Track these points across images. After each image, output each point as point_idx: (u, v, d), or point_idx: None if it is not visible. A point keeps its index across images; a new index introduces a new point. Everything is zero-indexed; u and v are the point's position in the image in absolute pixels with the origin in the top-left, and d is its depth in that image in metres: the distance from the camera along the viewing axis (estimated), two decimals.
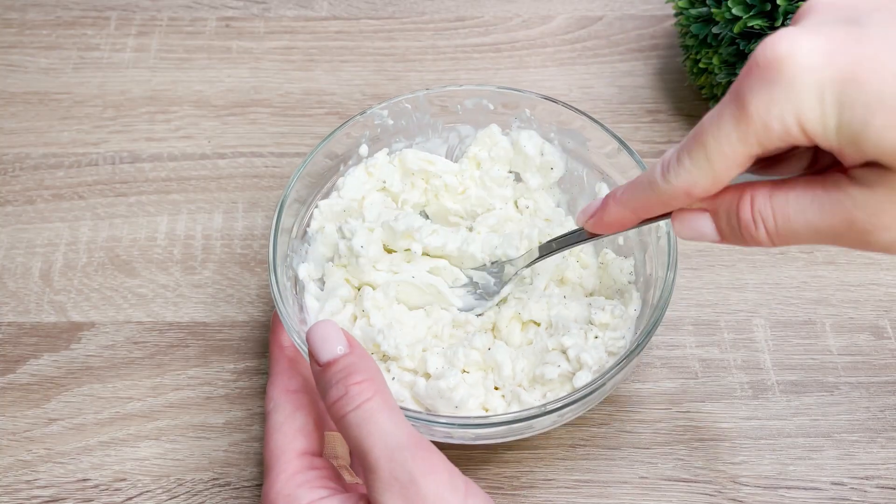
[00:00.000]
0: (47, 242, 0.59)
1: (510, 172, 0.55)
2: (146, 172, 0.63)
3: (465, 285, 0.51)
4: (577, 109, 0.52)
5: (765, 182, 0.36)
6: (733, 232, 0.37)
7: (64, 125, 0.65)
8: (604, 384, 0.43)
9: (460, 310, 0.50)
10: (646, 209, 0.39)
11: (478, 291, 0.51)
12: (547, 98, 0.53)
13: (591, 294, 0.52)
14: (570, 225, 0.53)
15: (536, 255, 0.48)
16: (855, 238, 0.34)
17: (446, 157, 0.56)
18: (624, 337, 0.47)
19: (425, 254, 0.51)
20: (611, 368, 0.43)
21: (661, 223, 0.48)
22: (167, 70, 0.69)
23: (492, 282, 0.51)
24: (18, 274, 0.58)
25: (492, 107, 0.55)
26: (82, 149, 0.64)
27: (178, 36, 0.71)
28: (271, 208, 0.61)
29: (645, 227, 0.50)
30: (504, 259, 0.51)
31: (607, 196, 0.41)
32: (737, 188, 0.36)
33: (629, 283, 0.50)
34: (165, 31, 0.71)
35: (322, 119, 0.66)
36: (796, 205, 0.34)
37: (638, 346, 0.44)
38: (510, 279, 0.50)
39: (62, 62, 0.69)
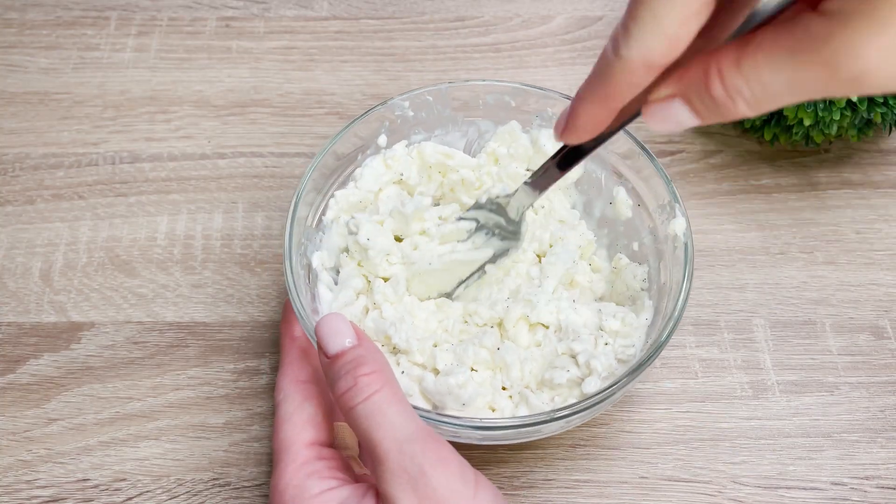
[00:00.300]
0: (47, 242, 0.59)
1: (528, 170, 0.54)
2: (146, 172, 0.63)
3: (478, 230, 0.50)
4: None
5: (728, 47, 0.31)
6: (710, 111, 0.32)
7: (64, 125, 0.65)
8: (614, 392, 0.43)
9: (494, 259, 0.49)
10: (611, 97, 0.34)
11: (497, 232, 0.49)
12: (571, 98, 0.52)
13: (600, 298, 0.51)
14: (583, 228, 0.53)
15: (530, 189, 0.46)
16: (843, 86, 0.29)
17: (465, 152, 0.55)
18: (634, 345, 0.47)
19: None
20: (622, 377, 0.43)
21: (679, 233, 0.47)
22: (167, 70, 0.69)
23: (502, 220, 0.49)
24: (18, 274, 0.58)
25: (513, 103, 0.54)
26: (82, 149, 0.64)
27: (178, 36, 0.71)
28: (271, 208, 0.61)
29: (662, 235, 0.49)
30: (494, 197, 0.49)
31: (573, 98, 0.37)
32: (700, 62, 0.32)
33: (642, 290, 0.50)
34: (165, 31, 0.71)
35: (322, 119, 0.66)
36: (768, 66, 0.30)
37: (650, 356, 0.43)
38: (523, 212, 0.48)
39: (62, 62, 0.69)
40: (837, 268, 0.57)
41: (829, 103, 0.55)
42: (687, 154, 0.63)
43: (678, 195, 0.48)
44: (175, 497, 0.48)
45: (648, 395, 0.52)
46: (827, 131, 0.58)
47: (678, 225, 0.48)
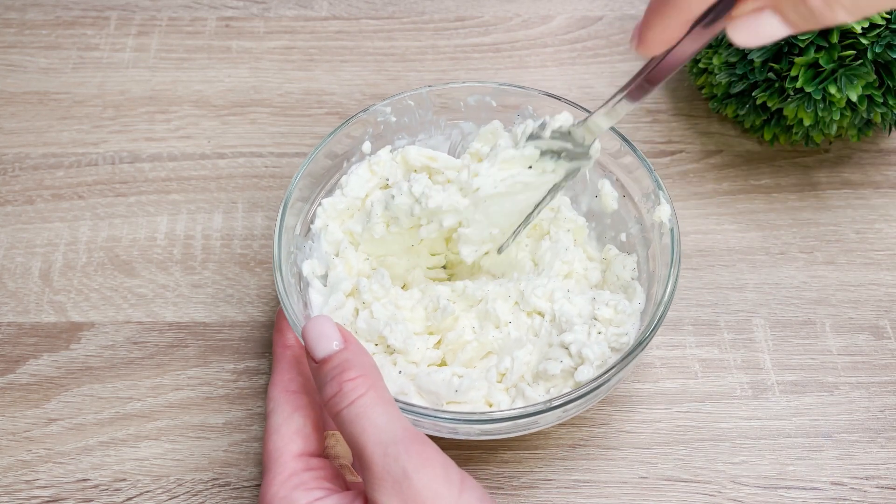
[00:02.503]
0: (47, 242, 0.59)
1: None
2: (146, 172, 0.63)
3: (542, 156, 0.46)
4: (578, 106, 0.52)
5: None
6: (805, 20, 0.31)
7: (64, 125, 0.65)
8: (608, 379, 0.43)
9: (566, 179, 0.46)
10: (680, 5, 0.33)
11: (563, 155, 0.46)
12: (549, 95, 0.53)
13: (594, 287, 0.52)
14: (574, 215, 0.53)
15: (612, 103, 0.42)
16: None
17: (449, 154, 0.56)
18: (627, 333, 0.47)
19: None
20: (614, 364, 0.43)
21: (665, 220, 0.48)
22: (167, 70, 0.69)
23: (569, 144, 0.46)
24: (18, 274, 0.57)
25: (494, 104, 0.54)
26: (82, 149, 0.64)
27: (177, 36, 0.71)
28: (271, 208, 0.61)
29: (648, 224, 0.50)
30: (557, 128, 0.46)
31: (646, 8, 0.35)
32: None
33: (632, 279, 0.50)
34: (165, 31, 0.71)
35: (322, 119, 0.66)
36: None
37: (641, 342, 0.44)
38: (596, 136, 0.45)
39: (62, 62, 0.69)
40: (837, 268, 0.57)
41: (829, 103, 0.55)
42: (687, 154, 0.63)
43: (661, 183, 0.49)
44: (175, 497, 0.48)
45: (648, 395, 0.52)
46: (827, 131, 0.58)
47: (663, 212, 0.48)
